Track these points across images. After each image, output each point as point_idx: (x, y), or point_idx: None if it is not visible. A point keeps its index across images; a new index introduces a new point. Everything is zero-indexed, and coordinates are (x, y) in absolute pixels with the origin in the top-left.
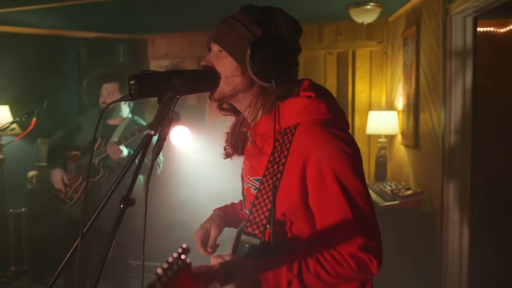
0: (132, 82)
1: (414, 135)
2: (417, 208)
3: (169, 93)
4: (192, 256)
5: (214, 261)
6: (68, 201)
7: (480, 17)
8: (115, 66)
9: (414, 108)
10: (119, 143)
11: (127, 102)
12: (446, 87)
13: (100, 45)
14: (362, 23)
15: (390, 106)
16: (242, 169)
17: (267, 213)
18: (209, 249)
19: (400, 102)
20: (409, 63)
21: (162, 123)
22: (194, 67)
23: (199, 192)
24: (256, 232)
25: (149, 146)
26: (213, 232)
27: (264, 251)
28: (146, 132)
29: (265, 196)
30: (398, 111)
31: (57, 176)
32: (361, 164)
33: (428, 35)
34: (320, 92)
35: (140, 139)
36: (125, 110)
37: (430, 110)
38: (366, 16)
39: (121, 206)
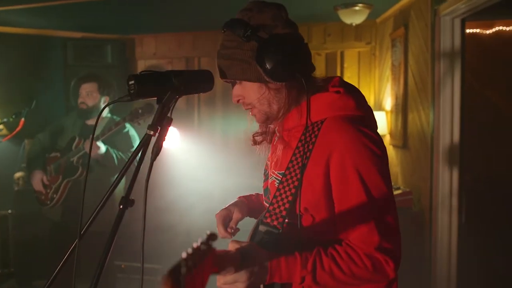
0: (132, 82)
1: (402, 135)
2: (406, 208)
3: (168, 93)
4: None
5: (231, 246)
6: (48, 202)
7: (467, 18)
8: (103, 66)
9: (402, 109)
10: (96, 139)
11: (99, 103)
12: (435, 88)
13: (87, 45)
14: (351, 24)
15: (379, 107)
16: (267, 164)
17: (287, 205)
18: (229, 230)
19: (388, 102)
20: (397, 64)
21: (161, 124)
22: (182, 67)
23: (188, 193)
24: (275, 223)
25: (148, 146)
26: (235, 215)
27: (280, 243)
28: (122, 126)
29: (286, 188)
30: (387, 112)
31: (37, 178)
32: (387, 166)
33: (417, 36)
34: (350, 88)
35: (117, 134)
36: (104, 110)
37: (418, 110)
38: (355, 17)
39: (121, 207)
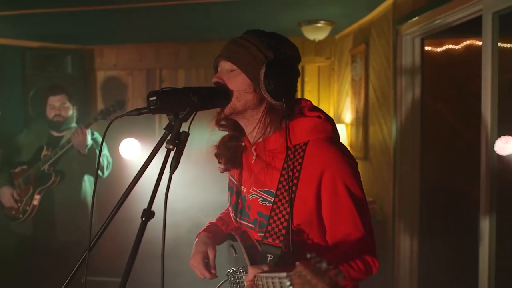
0: (153, 98)
1: (363, 147)
2: (371, 216)
3: (187, 109)
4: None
5: (255, 271)
6: (20, 216)
7: (429, 36)
8: (63, 77)
9: (363, 122)
10: (86, 127)
11: (74, 114)
12: (397, 102)
13: (47, 54)
14: (314, 40)
15: (338, 120)
16: (234, 180)
17: (285, 224)
18: (213, 271)
19: (348, 115)
20: (358, 79)
21: (179, 138)
22: (143, 79)
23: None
24: (276, 242)
25: (168, 160)
26: (211, 254)
27: (286, 259)
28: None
29: (281, 208)
30: (346, 124)
31: (6, 194)
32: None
33: (378, 53)
34: (325, 113)
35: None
36: (72, 121)
37: (380, 123)
38: (318, 33)
39: (143, 219)
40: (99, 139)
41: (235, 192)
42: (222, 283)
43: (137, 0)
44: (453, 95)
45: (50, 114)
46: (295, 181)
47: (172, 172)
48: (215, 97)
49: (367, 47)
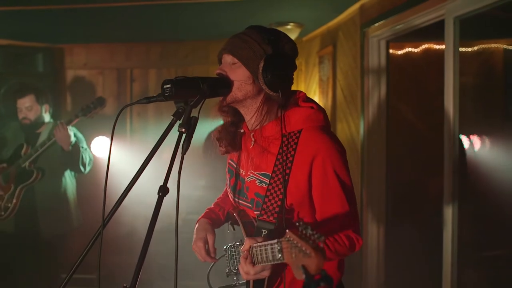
0: (168, 86)
1: None
2: None
3: (197, 96)
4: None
5: (250, 242)
6: (2, 213)
7: (391, 40)
8: (34, 75)
9: (331, 119)
10: (67, 124)
11: (47, 110)
12: (364, 100)
13: (17, 53)
14: None
15: None
16: (233, 163)
17: (279, 202)
18: (212, 255)
19: None
20: (326, 78)
21: (190, 122)
22: (114, 78)
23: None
24: (271, 218)
25: (180, 142)
26: (211, 240)
27: (278, 234)
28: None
29: (276, 189)
30: None
31: None
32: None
33: (345, 54)
34: (317, 104)
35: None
36: (46, 117)
37: (348, 121)
38: (287, 34)
39: (159, 194)
40: (78, 134)
41: (234, 175)
42: (219, 258)
43: (109, 0)
44: (413, 95)
45: (20, 116)
46: (289, 164)
47: (184, 153)
48: (219, 86)
49: (334, 49)
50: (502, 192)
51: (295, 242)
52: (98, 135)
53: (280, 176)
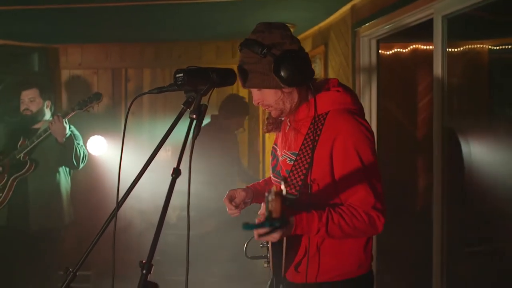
0: (180, 75)
1: None
2: None
3: (207, 85)
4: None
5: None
6: None
7: (381, 40)
8: (30, 75)
9: None
10: (63, 117)
11: (49, 106)
12: None
13: (12, 52)
14: None
15: None
16: (275, 146)
17: (302, 177)
18: (233, 203)
19: None
20: (317, 77)
21: (200, 109)
22: (108, 78)
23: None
24: (293, 191)
25: (191, 128)
26: (241, 193)
27: (299, 206)
28: None
29: (300, 164)
30: None
31: None
32: (375, 146)
33: (337, 53)
34: (346, 88)
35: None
36: (47, 114)
37: None
38: None
39: (173, 176)
40: (75, 131)
41: (275, 156)
42: (249, 240)
43: (103, 0)
44: (399, 96)
45: (21, 108)
46: (315, 143)
47: (194, 138)
48: (227, 76)
49: (326, 48)
50: (489, 188)
51: (275, 191)
52: (93, 135)
53: (306, 153)
